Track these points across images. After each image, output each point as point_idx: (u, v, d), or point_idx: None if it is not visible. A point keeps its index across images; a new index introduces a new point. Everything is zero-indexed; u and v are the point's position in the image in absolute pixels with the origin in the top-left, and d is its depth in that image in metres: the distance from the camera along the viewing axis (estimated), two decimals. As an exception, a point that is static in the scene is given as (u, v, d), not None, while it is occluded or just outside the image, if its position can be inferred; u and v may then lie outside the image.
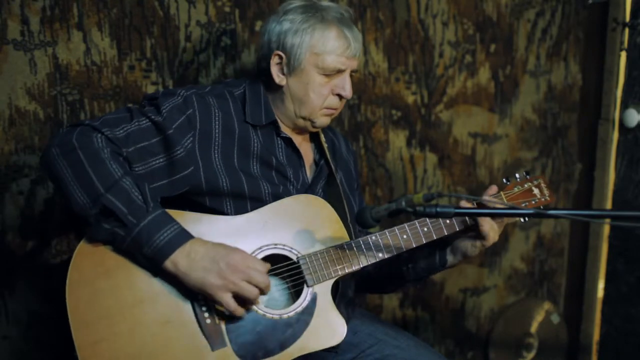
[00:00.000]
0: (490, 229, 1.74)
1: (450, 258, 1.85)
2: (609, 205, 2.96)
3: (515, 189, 1.88)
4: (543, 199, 1.91)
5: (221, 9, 2.21)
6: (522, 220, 1.91)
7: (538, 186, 1.92)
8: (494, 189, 1.85)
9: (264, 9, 2.27)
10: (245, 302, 1.60)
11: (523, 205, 1.87)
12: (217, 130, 1.73)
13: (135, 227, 1.53)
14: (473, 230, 1.78)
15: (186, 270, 1.55)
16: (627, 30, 2.79)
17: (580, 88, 3.08)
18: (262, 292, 1.60)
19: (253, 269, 1.57)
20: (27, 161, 1.97)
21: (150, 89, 2.12)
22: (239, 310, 1.59)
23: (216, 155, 1.73)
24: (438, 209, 1.47)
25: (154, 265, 1.56)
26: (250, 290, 1.57)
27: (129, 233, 1.53)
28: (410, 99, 2.66)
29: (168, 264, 1.55)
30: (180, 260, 1.54)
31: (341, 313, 1.85)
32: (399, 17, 2.56)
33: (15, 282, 2.01)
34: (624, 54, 2.81)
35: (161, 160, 1.66)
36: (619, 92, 2.86)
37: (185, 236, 1.57)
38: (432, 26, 2.64)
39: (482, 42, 2.78)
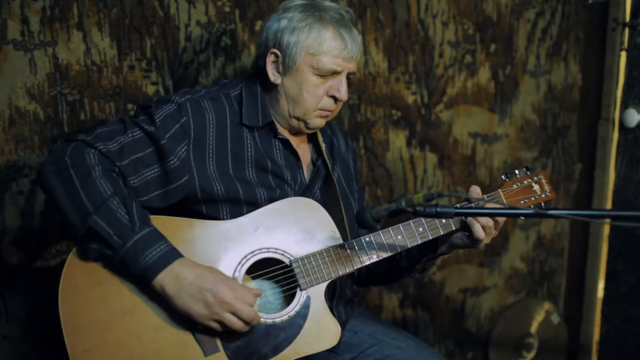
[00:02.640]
0: (487, 235, 1.73)
1: (441, 247, 1.84)
2: (609, 205, 2.96)
3: (514, 186, 1.85)
4: (544, 195, 1.88)
5: (221, 9, 2.21)
6: (521, 218, 1.89)
7: (539, 182, 1.88)
8: (476, 188, 1.77)
9: (264, 9, 2.27)
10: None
11: (522, 202, 1.84)
12: (211, 138, 1.72)
13: (122, 247, 1.52)
14: (467, 231, 1.77)
15: (173, 295, 1.54)
16: (627, 30, 2.78)
17: (580, 88, 3.08)
18: (248, 323, 1.59)
19: (240, 301, 1.56)
20: (27, 161, 1.97)
21: (150, 89, 2.12)
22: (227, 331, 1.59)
23: (210, 163, 1.71)
24: (438, 209, 1.46)
25: (144, 284, 1.56)
26: (234, 322, 1.56)
27: (116, 254, 1.53)
28: (410, 99, 2.66)
29: (155, 285, 1.54)
30: (167, 283, 1.53)
31: (339, 313, 1.85)
32: (399, 17, 2.56)
33: (15, 282, 2.02)
34: (624, 54, 2.81)
35: (155, 170, 1.65)
36: (619, 92, 2.86)
37: (171, 257, 1.55)
38: (432, 26, 2.64)
39: (482, 42, 2.78)
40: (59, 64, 1.97)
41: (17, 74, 1.92)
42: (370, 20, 2.50)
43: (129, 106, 2.09)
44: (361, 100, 2.55)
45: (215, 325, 1.57)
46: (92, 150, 1.59)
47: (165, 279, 1.53)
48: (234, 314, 1.56)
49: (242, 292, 1.58)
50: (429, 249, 1.86)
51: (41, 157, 1.98)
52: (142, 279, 1.55)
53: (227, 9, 2.22)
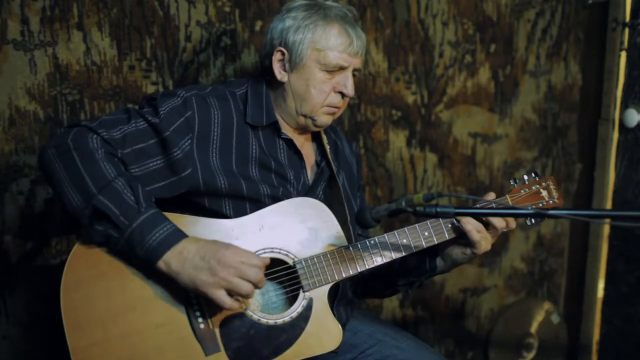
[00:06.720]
0: (482, 238, 1.71)
1: (440, 264, 1.83)
2: (609, 205, 2.96)
3: (522, 192, 1.84)
4: (551, 202, 1.86)
5: (221, 9, 2.21)
6: (527, 223, 1.88)
7: (547, 188, 1.87)
8: (491, 195, 1.80)
9: (264, 9, 2.27)
10: (241, 297, 1.57)
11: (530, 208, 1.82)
12: (215, 134, 1.72)
13: (128, 228, 1.52)
14: (465, 238, 1.74)
15: (178, 270, 1.53)
16: (627, 30, 2.78)
17: (580, 88, 3.07)
18: (256, 286, 1.55)
19: (246, 264, 1.53)
20: (27, 161, 1.97)
21: (150, 89, 2.12)
22: (235, 306, 1.55)
23: (214, 159, 1.71)
24: (438, 209, 1.47)
25: (148, 265, 1.55)
26: (242, 286, 1.53)
27: (122, 234, 1.52)
28: (410, 99, 2.66)
29: (161, 264, 1.53)
30: (172, 260, 1.52)
31: (340, 314, 1.85)
32: (399, 17, 2.56)
33: (15, 282, 2.02)
34: (624, 54, 2.81)
35: (158, 162, 1.65)
36: (619, 92, 2.86)
37: (177, 236, 1.55)
38: (432, 26, 2.64)
39: (482, 42, 2.78)
40: (59, 64, 1.97)
41: (17, 74, 1.92)
42: (370, 20, 2.50)
43: (129, 106, 2.09)
44: (361, 100, 2.55)
45: (222, 295, 1.53)
46: (95, 136, 1.58)
47: (171, 257, 1.52)
48: (240, 277, 1.53)
49: (246, 255, 1.56)
50: (428, 267, 1.84)
51: (41, 157, 1.98)
52: (146, 262, 1.54)
53: (227, 9, 2.22)
